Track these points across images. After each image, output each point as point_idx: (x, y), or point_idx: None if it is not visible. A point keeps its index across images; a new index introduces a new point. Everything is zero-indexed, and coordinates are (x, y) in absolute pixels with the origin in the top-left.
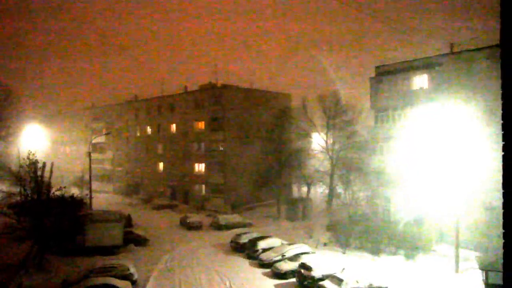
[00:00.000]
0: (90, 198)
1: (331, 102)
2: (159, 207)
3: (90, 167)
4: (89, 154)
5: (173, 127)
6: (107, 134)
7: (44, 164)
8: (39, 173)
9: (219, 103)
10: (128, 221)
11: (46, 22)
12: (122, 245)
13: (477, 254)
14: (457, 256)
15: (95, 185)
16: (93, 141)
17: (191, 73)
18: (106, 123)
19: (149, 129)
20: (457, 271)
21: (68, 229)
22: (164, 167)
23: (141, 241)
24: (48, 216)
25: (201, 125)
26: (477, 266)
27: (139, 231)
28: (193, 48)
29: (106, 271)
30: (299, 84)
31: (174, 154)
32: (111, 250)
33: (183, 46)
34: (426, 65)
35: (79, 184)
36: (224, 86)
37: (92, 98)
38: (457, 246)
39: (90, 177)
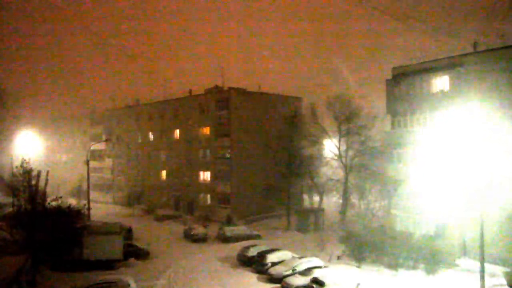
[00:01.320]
0: (89, 208)
1: (342, 105)
2: (161, 218)
3: (88, 175)
4: (87, 161)
5: (177, 133)
6: (106, 140)
7: (39, 173)
8: (33, 182)
9: (225, 108)
10: (128, 233)
11: (44, 23)
12: (122, 258)
13: (505, 269)
14: (482, 272)
15: (93, 195)
16: (92, 148)
17: (196, 76)
18: (105, 129)
19: (151, 135)
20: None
21: (65, 242)
22: (167, 175)
23: (142, 255)
24: (42, 227)
25: (207, 131)
26: (505, 282)
27: (140, 244)
28: (198, 50)
29: (105, 287)
30: (311, 87)
31: (178, 162)
32: (111, 264)
33: (188, 48)
34: (447, 65)
35: (77, 194)
36: (231, 89)
37: (91, 102)
38: (482, 260)
39: (88, 186)
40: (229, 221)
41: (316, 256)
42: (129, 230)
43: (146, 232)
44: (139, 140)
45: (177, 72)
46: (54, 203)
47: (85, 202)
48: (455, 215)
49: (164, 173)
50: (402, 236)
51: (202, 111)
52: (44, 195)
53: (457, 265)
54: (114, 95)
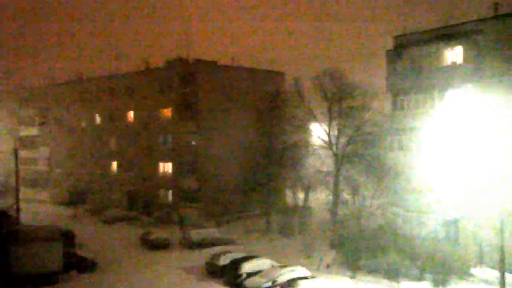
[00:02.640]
0: (18, 209)
1: (333, 82)
2: (112, 220)
3: (17, 168)
4: (15, 151)
5: (131, 115)
6: (41, 124)
7: None
8: None
9: (191, 84)
10: (70, 240)
11: None
12: (61, 271)
13: None
14: (502, 284)
15: (25, 192)
16: (21, 134)
17: (155, 45)
18: (39, 110)
19: (98, 118)
20: None
21: None
22: (118, 167)
23: (87, 266)
24: None
25: (168, 112)
26: None
27: (85, 253)
28: (159, 13)
29: None
30: (295, 61)
31: (132, 151)
32: (48, 279)
33: (145, 11)
34: (460, 33)
35: (2, 192)
36: (198, 62)
37: (20, 76)
38: (503, 269)
39: (16, 181)
40: (196, 223)
41: (302, 265)
42: (71, 236)
43: (92, 237)
44: (83, 124)
45: (131, 39)
46: None
47: (13, 201)
48: (470, 214)
49: (115, 164)
50: (405, 240)
51: (162, 89)
52: None
53: (472, 275)
54: (51, 68)
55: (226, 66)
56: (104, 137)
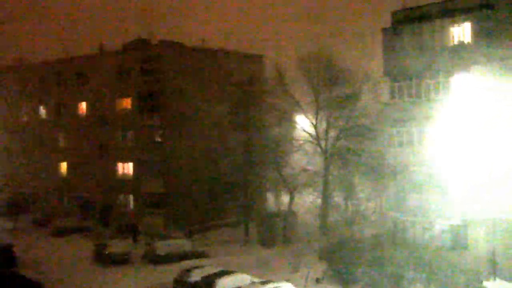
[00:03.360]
0: None
1: (320, 67)
2: (62, 232)
3: None
4: None
5: (83, 107)
6: None
7: None
8: None
9: (154, 70)
10: (8, 257)
11: None
12: None
13: None
14: None
15: None
16: None
17: (111, 24)
18: None
19: (43, 111)
20: None
21: None
22: (69, 169)
23: None
24: None
25: (127, 103)
26: None
27: (28, 273)
28: None
29: None
30: (276, 42)
31: (86, 150)
32: None
33: None
34: (468, 8)
35: None
36: (162, 44)
37: None
38: None
39: None
40: (162, 234)
41: (287, 280)
42: (10, 252)
43: (38, 254)
44: (25, 118)
45: (83, 18)
46: None
47: None
48: (481, 219)
49: (64, 166)
50: (407, 249)
51: (120, 76)
52: None
53: None
54: None
55: (195, 49)
56: (51, 134)
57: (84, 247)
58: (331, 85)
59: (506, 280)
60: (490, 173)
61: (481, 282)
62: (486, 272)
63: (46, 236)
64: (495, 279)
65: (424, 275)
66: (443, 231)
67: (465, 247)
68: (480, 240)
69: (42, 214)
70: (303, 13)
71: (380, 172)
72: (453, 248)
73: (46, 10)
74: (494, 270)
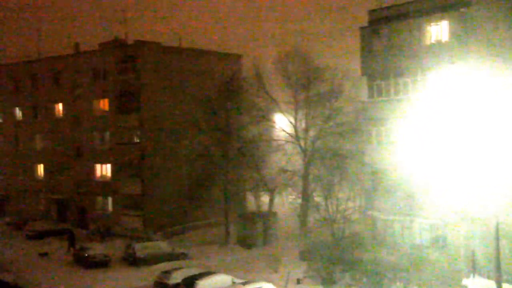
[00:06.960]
0: None
1: (298, 65)
2: (38, 235)
3: None
4: None
5: (59, 108)
6: None
7: None
8: None
9: (131, 70)
10: None
11: None
12: None
13: None
14: None
15: None
16: None
17: (86, 24)
18: None
19: (18, 112)
20: None
21: None
22: (45, 171)
23: None
24: None
25: (104, 104)
26: None
27: (3, 276)
28: None
29: None
30: (254, 41)
31: (62, 151)
32: None
33: None
34: (445, 6)
35: None
36: (138, 44)
37: None
38: (499, 280)
39: None
40: (141, 235)
41: (267, 281)
42: None
43: (13, 257)
44: (0, 119)
45: (58, 18)
46: None
47: None
48: (461, 218)
49: (41, 168)
50: (386, 248)
51: (96, 76)
52: None
53: (464, 287)
54: None
55: (172, 48)
56: (27, 135)
57: (61, 250)
58: (309, 84)
59: (484, 277)
60: (469, 172)
61: (461, 280)
62: (465, 270)
63: (21, 239)
64: (474, 277)
65: (404, 274)
66: (423, 230)
67: (445, 246)
68: (459, 239)
69: (17, 216)
70: (281, 12)
71: (359, 171)
72: (433, 246)
73: (18, 10)
74: (474, 268)
